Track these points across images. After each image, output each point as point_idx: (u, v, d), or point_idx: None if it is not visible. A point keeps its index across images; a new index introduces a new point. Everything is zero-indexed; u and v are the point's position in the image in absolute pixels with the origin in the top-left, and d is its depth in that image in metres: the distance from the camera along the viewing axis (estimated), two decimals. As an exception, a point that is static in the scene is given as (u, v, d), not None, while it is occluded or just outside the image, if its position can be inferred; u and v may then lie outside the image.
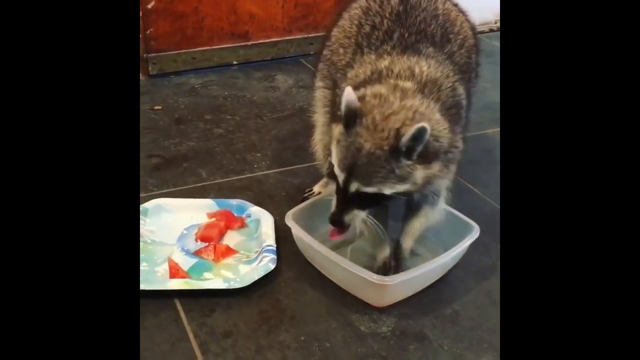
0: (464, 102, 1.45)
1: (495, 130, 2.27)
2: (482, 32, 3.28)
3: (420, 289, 1.50)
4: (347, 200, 1.32)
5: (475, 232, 1.52)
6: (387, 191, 1.30)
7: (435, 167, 1.31)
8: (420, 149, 1.25)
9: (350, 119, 1.28)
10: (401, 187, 1.29)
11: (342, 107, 1.28)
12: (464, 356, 1.35)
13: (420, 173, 1.29)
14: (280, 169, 2.01)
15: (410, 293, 1.49)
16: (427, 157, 1.28)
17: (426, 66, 1.39)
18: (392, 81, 1.36)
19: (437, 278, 1.54)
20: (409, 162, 1.27)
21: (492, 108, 2.41)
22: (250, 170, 2.01)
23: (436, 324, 1.43)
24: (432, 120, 1.30)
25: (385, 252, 1.51)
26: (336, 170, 1.33)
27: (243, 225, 1.70)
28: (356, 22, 1.52)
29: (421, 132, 1.22)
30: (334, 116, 1.50)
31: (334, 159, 1.33)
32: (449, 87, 1.39)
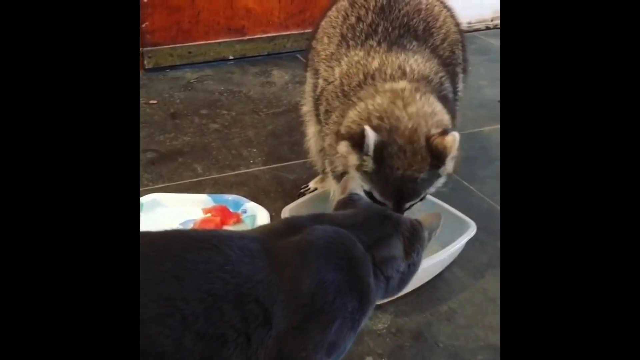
0: (451, 95, 1.49)
1: (491, 128, 2.27)
2: (478, 30, 3.29)
3: (416, 286, 1.50)
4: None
5: (472, 230, 1.52)
6: (432, 190, 1.37)
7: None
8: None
9: (379, 155, 1.29)
10: (441, 181, 1.37)
11: (370, 149, 1.27)
12: (459, 354, 1.35)
13: (450, 162, 1.34)
14: (276, 165, 2.01)
15: (406, 290, 1.48)
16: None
17: (415, 63, 1.42)
18: (386, 85, 1.38)
19: (433, 275, 1.54)
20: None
21: (488, 106, 2.42)
22: (246, 166, 2.00)
23: (432, 321, 1.43)
24: (438, 114, 1.35)
25: None
26: (378, 197, 1.33)
27: (239, 220, 1.69)
28: (342, 13, 1.54)
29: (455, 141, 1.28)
30: (318, 115, 1.54)
31: (367, 187, 1.33)
32: (438, 82, 1.44)
